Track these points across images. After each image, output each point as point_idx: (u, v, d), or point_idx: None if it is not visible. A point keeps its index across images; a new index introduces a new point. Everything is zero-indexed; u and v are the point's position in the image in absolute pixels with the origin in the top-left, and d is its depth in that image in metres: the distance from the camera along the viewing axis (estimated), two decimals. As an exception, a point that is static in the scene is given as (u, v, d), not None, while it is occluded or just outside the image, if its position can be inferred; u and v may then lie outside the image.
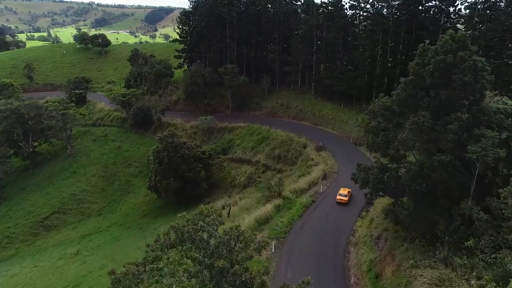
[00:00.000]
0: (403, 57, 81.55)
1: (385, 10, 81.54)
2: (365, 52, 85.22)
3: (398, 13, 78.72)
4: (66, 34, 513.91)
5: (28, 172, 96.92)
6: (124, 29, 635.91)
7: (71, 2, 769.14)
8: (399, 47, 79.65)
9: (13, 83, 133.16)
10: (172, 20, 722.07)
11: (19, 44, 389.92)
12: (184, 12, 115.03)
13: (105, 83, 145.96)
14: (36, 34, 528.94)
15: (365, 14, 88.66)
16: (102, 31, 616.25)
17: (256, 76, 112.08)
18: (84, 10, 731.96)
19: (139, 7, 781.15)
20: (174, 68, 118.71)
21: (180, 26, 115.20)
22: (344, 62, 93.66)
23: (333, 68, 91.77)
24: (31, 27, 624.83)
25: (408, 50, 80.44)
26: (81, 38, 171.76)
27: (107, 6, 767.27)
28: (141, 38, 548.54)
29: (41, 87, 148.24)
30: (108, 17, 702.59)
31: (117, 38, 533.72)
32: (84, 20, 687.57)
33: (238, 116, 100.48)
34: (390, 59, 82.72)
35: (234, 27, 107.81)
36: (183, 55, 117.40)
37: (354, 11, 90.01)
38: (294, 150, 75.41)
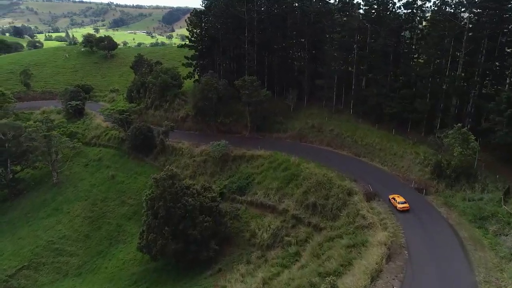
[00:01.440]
0: (481, 72, 59.87)
1: (458, 8, 59.82)
2: (428, 64, 63.66)
3: (479, 13, 56.89)
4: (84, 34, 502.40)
5: (5, 204, 78.62)
6: (141, 29, 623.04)
7: (90, 2, 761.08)
8: (477, 59, 58.00)
9: (5, 91, 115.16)
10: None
11: (36, 45, 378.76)
12: (195, 12, 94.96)
13: (109, 92, 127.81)
14: (54, 35, 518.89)
15: (427, 14, 67.09)
16: (119, 31, 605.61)
17: (279, 89, 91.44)
18: (103, 11, 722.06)
19: (157, 7, 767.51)
20: (183, 78, 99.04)
21: (191, 29, 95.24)
22: (393, 76, 72.21)
23: (381, 83, 70.52)
24: (50, 28, 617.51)
25: (489, 62, 58.71)
26: (85, 40, 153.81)
27: (125, 6, 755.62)
28: (157, 39, 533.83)
29: (38, 95, 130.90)
30: (126, 18, 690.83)
31: (133, 39, 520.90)
32: (103, 21, 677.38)
33: (258, 140, 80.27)
34: (462, 74, 61.06)
35: (254, 30, 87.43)
36: (194, 62, 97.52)
37: (410, 10, 68.48)
38: (335, 198, 54.52)
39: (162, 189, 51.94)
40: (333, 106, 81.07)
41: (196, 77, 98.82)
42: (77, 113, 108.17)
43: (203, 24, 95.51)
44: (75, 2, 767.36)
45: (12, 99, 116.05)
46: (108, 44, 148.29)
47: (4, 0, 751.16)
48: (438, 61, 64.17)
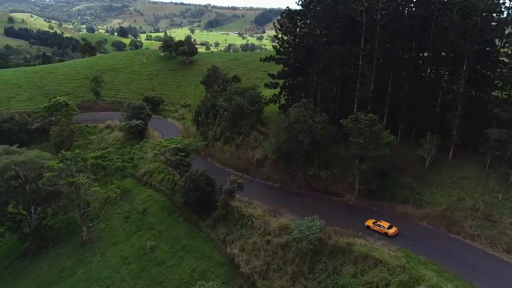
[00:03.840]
0: None
1: None
2: None
3: None
4: (181, 35, 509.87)
5: (22, 263, 58.59)
6: (233, 30, 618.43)
7: (189, 4, 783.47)
8: None
9: (69, 102, 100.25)
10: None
11: (137, 44, 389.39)
12: (287, 13, 65.75)
13: (180, 106, 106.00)
14: (154, 35, 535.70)
15: None
16: (213, 32, 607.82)
17: (406, 127, 58.60)
18: (200, 12, 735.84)
19: (250, 8, 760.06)
20: (266, 101, 71.09)
21: (280, 36, 66.59)
22: None
23: None
24: (152, 28, 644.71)
25: None
26: (164, 45, 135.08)
27: (221, 8, 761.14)
28: (248, 40, 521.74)
29: (107, 105, 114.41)
30: (221, 19, 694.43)
31: (225, 40, 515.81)
32: (199, 22, 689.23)
33: (370, 213, 49.45)
34: None
35: (375, 38, 55.74)
36: (281, 82, 68.93)
37: None
38: None
39: None
40: (510, 174, 45.91)
41: (282, 101, 70.27)
42: (137, 134, 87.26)
43: (297, 30, 66.22)
44: (176, 4, 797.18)
45: (75, 110, 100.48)
46: (188, 49, 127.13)
47: (118, 3, 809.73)
48: None
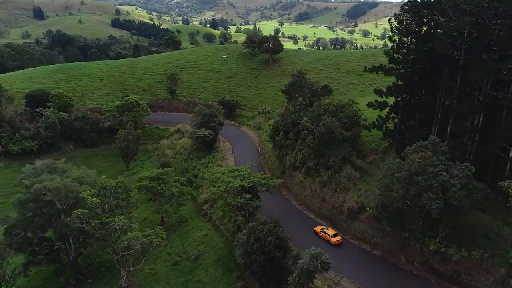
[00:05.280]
0: None
1: None
2: None
3: None
4: (269, 28, 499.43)
5: (59, 297, 49.50)
6: (323, 23, 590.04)
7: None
8: None
9: (141, 101, 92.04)
10: (375, 15, 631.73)
11: (226, 36, 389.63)
12: (411, 5, 45.28)
13: (257, 112, 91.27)
14: (243, 27, 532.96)
15: None
16: (302, 25, 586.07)
17: None
18: (291, 4, 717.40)
19: (343, 1, 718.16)
20: (367, 126, 51.99)
21: (396, 36, 46.52)
22: None
23: None
24: (243, 20, 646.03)
25: None
26: (248, 40, 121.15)
27: (312, 0, 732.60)
28: (338, 34, 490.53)
29: (182, 105, 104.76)
30: (311, 11, 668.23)
31: (314, 33, 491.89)
32: (289, 14, 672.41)
33: None
34: None
35: None
36: (394, 101, 49.11)
37: None
38: None
39: None
40: None
41: (390, 125, 50.55)
42: (205, 146, 74.70)
43: (422, 29, 45.59)
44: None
45: (146, 111, 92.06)
46: (272, 46, 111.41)
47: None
48: None
